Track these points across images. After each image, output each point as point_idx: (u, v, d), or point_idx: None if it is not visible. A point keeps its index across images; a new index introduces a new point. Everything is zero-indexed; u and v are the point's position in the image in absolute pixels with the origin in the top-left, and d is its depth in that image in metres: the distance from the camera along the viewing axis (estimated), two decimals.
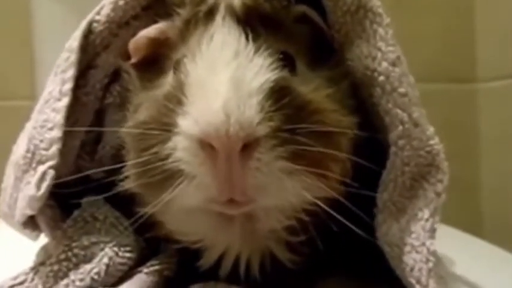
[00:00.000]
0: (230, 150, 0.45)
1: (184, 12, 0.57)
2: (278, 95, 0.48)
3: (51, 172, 0.54)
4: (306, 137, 0.47)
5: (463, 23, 1.35)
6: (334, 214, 0.49)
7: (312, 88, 0.53)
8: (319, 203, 0.50)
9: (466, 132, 1.34)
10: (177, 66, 0.55)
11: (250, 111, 0.46)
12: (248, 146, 0.46)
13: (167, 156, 0.48)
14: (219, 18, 0.54)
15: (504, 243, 0.83)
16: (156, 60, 0.59)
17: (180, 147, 0.48)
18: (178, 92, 0.50)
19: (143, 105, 0.54)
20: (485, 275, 0.64)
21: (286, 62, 0.53)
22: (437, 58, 1.33)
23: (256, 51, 0.51)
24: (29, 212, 0.56)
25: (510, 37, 1.27)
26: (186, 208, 0.51)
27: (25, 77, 1.31)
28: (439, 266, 0.51)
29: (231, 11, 0.54)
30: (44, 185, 0.54)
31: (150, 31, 0.59)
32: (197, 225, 0.54)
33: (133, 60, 0.60)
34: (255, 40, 0.52)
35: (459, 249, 0.74)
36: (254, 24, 0.54)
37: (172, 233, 0.57)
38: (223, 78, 0.48)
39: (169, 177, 0.49)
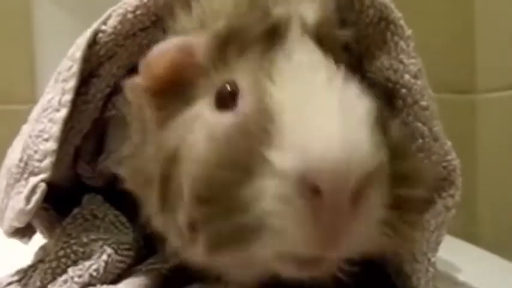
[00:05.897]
0: (342, 194, 0.35)
1: (219, 27, 0.47)
2: (378, 125, 0.41)
3: (43, 185, 0.52)
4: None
5: (463, 34, 1.36)
6: None
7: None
8: None
9: (464, 142, 1.34)
10: (222, 95, 0.44)
11: (366, 143, 0.37)
12: (359, 188, 0.36)
13: (245, 208, 0.38)
14: (294, 35, 0.45)
15: (500, 252, 0.83)
16: (174, 84, 0.48)
17: (269, 194, 0.37)
18: (262, 121, 0.39)
19: (197, 143, 0.43)
20: (487, 284, 0.64)
21: None
22: (437, 69, 1.32)
23: (346, 75, 0.42)
24: (17, 225, 0.55)
25: (510, 48, 1.27)
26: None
27: (25, 81, 1.30)
28: (436, 278, 0.51)
29: (304, 28, 0.46)
30: (34, 199, 0.52)
31: (169, 52, 0.48)
32: (223, 263, 0.46)
33: (144, 82, 0.50)
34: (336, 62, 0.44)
35: (458, 257, 0.74)
36: (325, 44, 0.46)
37: (187, 261, 0.50)
38: (329, 104, 0.38)
39: (241, 233, 0.38)
